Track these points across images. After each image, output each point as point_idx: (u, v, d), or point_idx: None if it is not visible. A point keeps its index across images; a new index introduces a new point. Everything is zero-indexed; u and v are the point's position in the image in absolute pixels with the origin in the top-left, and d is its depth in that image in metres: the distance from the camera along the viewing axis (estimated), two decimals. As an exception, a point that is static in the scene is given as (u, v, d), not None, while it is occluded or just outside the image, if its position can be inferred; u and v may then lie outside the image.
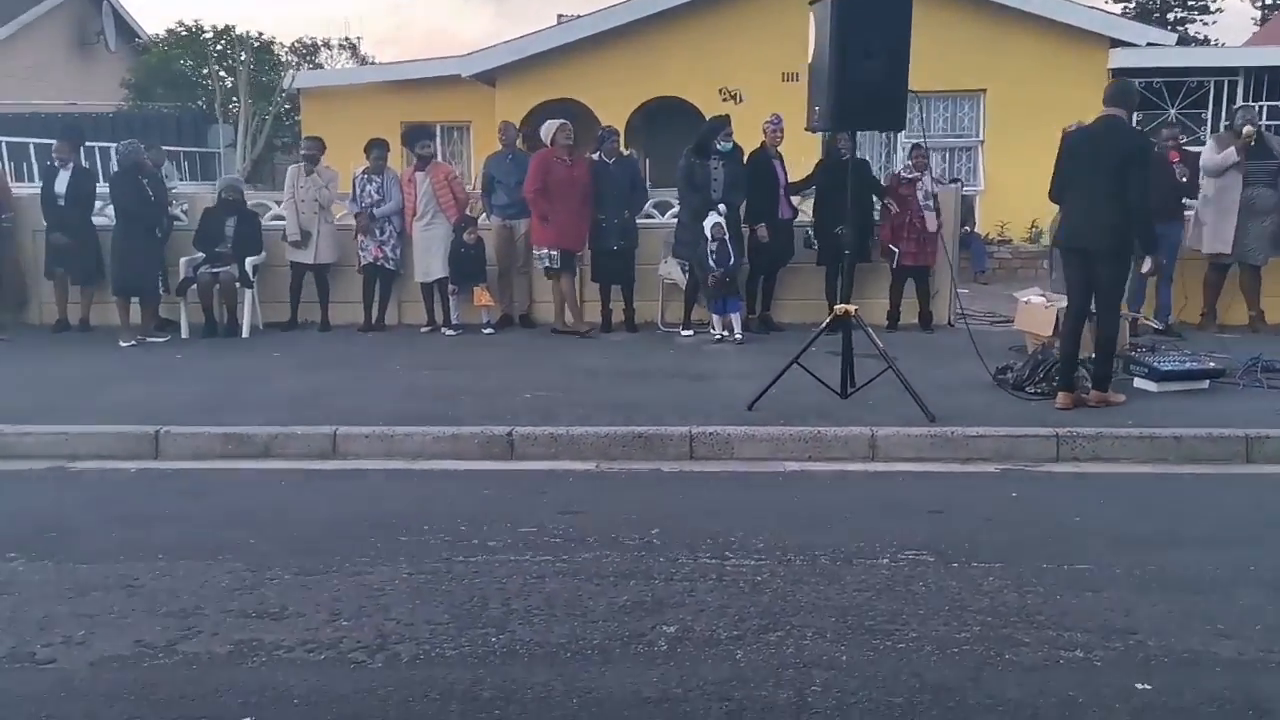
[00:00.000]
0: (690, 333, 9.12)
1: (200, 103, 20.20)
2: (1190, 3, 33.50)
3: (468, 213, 9.51)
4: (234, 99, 17.79)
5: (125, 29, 22.38)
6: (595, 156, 9.20)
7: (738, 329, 8.82)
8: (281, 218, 9.68)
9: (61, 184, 9.32)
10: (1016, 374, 6.75)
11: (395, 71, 16.90)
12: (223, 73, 20.91)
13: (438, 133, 15.82)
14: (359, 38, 47.21)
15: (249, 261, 9.33)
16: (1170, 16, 32.58)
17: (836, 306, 6.53)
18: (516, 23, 71.35)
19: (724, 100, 14.51)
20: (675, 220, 9.36)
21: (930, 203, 9.19)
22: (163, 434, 6.12)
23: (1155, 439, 5.87)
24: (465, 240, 9.15)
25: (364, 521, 4.73)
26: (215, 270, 9.16)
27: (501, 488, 5.37)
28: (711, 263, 8.68)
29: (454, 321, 9.45)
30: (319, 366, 8.00)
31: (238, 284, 9.25)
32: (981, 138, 14.77)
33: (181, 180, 16.49)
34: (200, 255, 9.28)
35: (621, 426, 6.08)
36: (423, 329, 9.55)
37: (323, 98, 17.22)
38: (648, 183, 10.64)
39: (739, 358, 8.22)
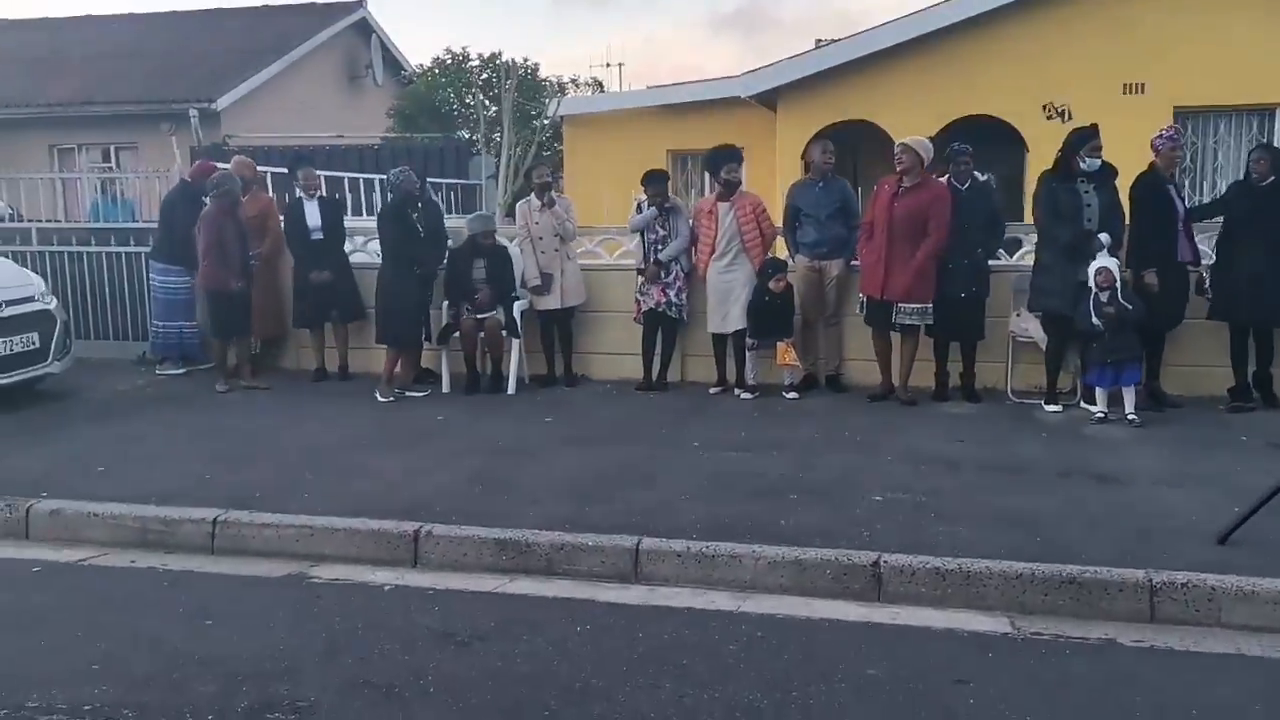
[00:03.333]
0: (1057, 407, 7.08)
1: (464, 133, 19.75)
2: None
3: (772, 254, 7.92)
4: (497, 128, 17.07)
5: (392, 62, 22.41)
6: (945, 180, 7.34)
7: (1130, 407, 6.70)
8: None
9: (314, 216, 8.47)
10: None
11: (666, 95, 15.60)
12: (486, 101, 20.39)
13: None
14: (620, 64, 47.05)
15: (516, 307, 8.09)
16: None
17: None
18: (764, 57, 70.29)
19: (1048, 119, 12.26)
20: (1031, 262, 7.37)
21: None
22: (424, 535, 4.82)
23: None
24: (772, 289, 7.51)
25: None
26: (480, 316, 7.96)
27: (883, 663, 3.65)
28: (1096, 321, 6.63)
29: (750, 382, 7.83)
30: (599, 438, 6.57)
31: (504, 332, 8.01)
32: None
33: (446, 215, 15.82)
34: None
35: (1039, 564, 4.26)
36: (712, 390, 7.97)
37: (586, 125, 16.21)
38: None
39: (1145, 449, 6.13)
